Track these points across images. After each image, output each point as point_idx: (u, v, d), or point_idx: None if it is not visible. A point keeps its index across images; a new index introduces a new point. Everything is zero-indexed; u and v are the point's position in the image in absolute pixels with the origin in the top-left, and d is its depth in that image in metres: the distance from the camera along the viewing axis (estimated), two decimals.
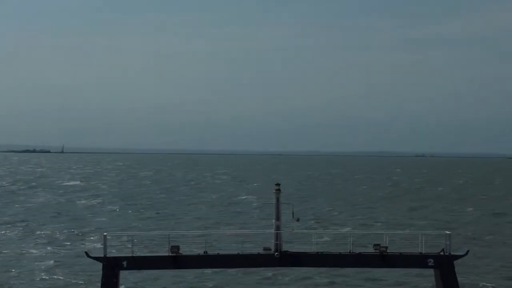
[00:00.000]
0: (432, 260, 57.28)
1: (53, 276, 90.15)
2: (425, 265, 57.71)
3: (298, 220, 60.83)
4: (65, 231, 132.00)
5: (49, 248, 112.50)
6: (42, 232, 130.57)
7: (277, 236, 57.76)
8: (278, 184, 59.08)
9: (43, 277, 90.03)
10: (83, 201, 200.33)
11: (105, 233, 59.17)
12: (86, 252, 58.91)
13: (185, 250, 57.72)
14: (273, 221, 58.32)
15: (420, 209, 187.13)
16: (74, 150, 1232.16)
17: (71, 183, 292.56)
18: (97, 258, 57.73)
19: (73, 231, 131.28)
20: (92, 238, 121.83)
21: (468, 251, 59.34)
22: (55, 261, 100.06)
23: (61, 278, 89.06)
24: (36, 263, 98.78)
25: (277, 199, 58.43)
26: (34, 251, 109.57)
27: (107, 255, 56.84)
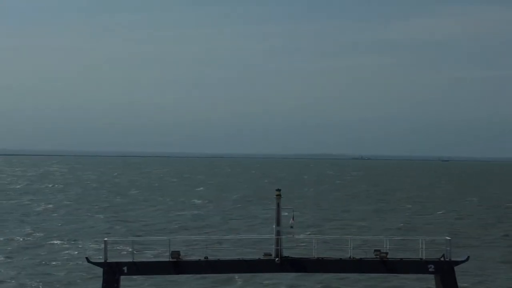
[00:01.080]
0: (432, 266, 57.33)
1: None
2: (425, 271, 57.76)
3: (291, 227, 61.08)
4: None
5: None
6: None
7: (278, 242, 57.83)
8: (278, 190, 59.12)
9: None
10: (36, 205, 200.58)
11: (105, 238, 59.28)
12: (87, 258, 58.96)
13: (185, 256, 57.81)
14: (274, 226, 58.39)
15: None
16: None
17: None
18: (97, 264, 57.81)
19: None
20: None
21: (468, 256, 59.42)
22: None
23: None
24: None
25: (278, 205, 58.49)
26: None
27: (107, 260, 56.91)
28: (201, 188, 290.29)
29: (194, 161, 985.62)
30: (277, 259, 57.51)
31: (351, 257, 57.97)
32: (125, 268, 56.90)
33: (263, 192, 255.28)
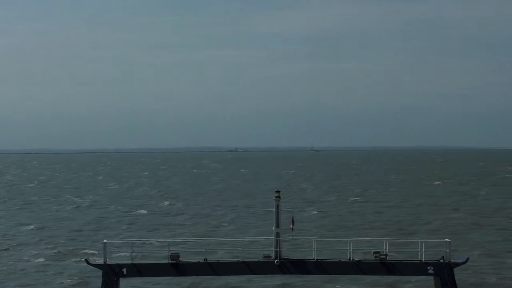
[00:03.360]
0: (432, 268, 57.35)
1: None
2: (425, 273, 57.78)
3: (292, 229, 61.03)
4: None
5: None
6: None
7: (277, 243, 57.81)
8: (278, 191, 59.13)
9: None
10: None
11: (105, 240, 59.24)
12: (86, 259, 58.96)
13: (185, 257, 57.77)
14: (273, 228, 58.36)
15: None
16: None
17: None
18: (97, 265, 57.79)
19: None
20: None
21: (468, 258, 59.40)
22: None
23: None
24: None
25: (277, 206, 58.49)
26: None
27: (107, 262, 56.87)
28: None
29: None
30: (276, 260, 57.50)
31: (351, 258, 57.97)
32: (124, 270, 56.89)
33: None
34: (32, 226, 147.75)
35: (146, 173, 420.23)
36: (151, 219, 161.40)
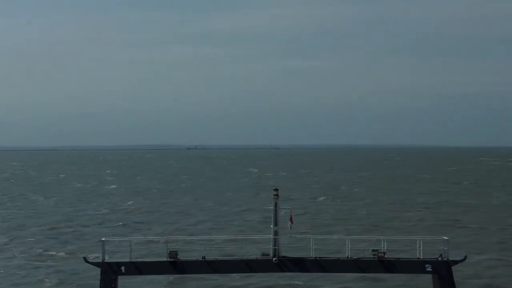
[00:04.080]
0: (430, 266, 57.43)
1: None
2: (423, 270, 57.86)
3: (290, 228, 61.08)
4: None
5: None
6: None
7: (275, 241, 57.87)
8: (276, 189, 59.18)
9: None
10: None
11: (103, 238, 59.27)
12: (84, 257, 58.95)
13: (183, 255, 57.82)
14: (271, 226, 58.42)
15: None
16: None
17: None
18: (95, 264, 57.84)
19: None
20: None
21: (466, 256, 59.45)
22: None
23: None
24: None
25: (275, 204, 58.54)
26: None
27: (105, 260, 56.90)
28: None
29: None
30: (274, 258, 57.57)
31: (349, 256, 58.04)
32: (123, 268, 56.93)
33: None
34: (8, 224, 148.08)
35: (109, 171, 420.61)
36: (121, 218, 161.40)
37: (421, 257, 57.82)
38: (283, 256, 57.89)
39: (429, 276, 59.54)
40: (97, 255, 64.53)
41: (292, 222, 60.13)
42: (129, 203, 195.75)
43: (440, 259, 57.52)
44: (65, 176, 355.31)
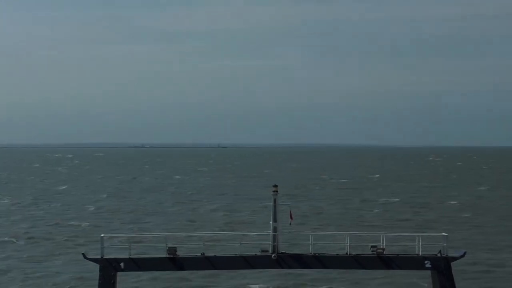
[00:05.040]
0: (429, 262, 57.33)
1: None
2: (422, 267, 57.76)
3: (290, 224, 61.00)
4: None
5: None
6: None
7: (274, 238, 57.79)
8: (275, 186, 59.05)
9: None
10: None
11: (102, 234, 59.16)
12: (83, 254, 58.82)
13: (182, 252, 57.76)
14: (270, 222, 58.34)
15: None
16: None
17: None
18: (94, 260, 57.71)
19: None
20: None
21: (465, 252, 59.35)
22: None
23: None
24: None
25: (274, 201, 58.41)
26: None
27: (104, 257, 56.82)
28: None
29: None
30: (273, 255, 57.51)
31: (348, 253, 57.97)
32: (122, 264, 56.84)
33: None
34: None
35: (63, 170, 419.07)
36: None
37: (420, 254, 57.74)
38: (282, 253, 57.82)
39: (428, 272, 59.50)
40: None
41: (292, 219, 60.05)
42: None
43: (439, 255, 57.48)
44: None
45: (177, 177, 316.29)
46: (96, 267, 57.58)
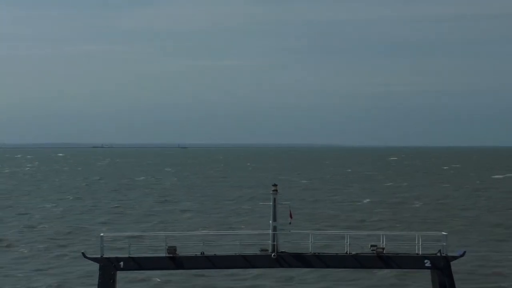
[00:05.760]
0: (428, 261, 57.33)
1: None
2: (421, 266, 57.77)
3: (290, 223, 60.95)
4: None
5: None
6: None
7: (274, 237, 57.76)
8: (275, 185, 59.00)
9: None
10: None
11: (102, 234, 59.13)
12: (83, 253, 58.82)
13: (182, 251, 57.74)
14: (270, 222, 58.31)
15: None
16: None
17: None
18: (94, 259, 57.70)
19: None
20: None
21: (465, 252, 59.36)
22: None
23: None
24: None
25: (274, 200, 58.37)
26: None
27: (104, 256, 56.80)
28: None
29: None
30: (273, 254, 57.49)
31: (348, 252, 57.95)
32: (121, 263, 56.83)
33: None
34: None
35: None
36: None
37: (420, 253, 57.74)
38: (282, 252, 57.80)
39: (428, 272, 59.49)
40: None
41: (291, 218, 60.02)
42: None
43: (439, 254, 57.48)
44: None
45: (141, 178, 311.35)
46: (95, 266, 57.62)
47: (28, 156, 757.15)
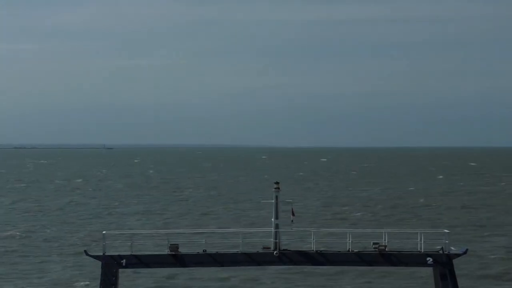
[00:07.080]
0: (431, 259, 57.26)
1: None
2: (424, 264, 57.69)
3: (292, 221, 60.87)
4: None
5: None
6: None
7: (276, 235, 57.72)
8: (277, 183, 58.92)
9: None
10: None
11: (104, 231, 59.12)
12: (85, 251, 58.84)
13: (184, 249, 57.74)
14: (272, 219, 58.28)
15: None
16: None
17: None
18: (96, 257, 57.68)
19: None
20: None
21: (467, 249, 59.29)
22: None
23: None
24: None
25: (276, 198, 58.28)
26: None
27: (106, 253, 56.80)
28: None
29: None
30: (275, 252, 57.45)
31: (350, 249, 57.89)
32: (123, 261, 56.79)
33: None
34: None
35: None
36: None
37: (422, 250, 57.67)
38: (284, 249, 57.75)
39: (430, 269, 59.43)
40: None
41: (294, 215, 59.95)
42: None
43: (441, 252, 57.41)
44: None
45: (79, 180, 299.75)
46: (98, 264, 57.64)
47: None
